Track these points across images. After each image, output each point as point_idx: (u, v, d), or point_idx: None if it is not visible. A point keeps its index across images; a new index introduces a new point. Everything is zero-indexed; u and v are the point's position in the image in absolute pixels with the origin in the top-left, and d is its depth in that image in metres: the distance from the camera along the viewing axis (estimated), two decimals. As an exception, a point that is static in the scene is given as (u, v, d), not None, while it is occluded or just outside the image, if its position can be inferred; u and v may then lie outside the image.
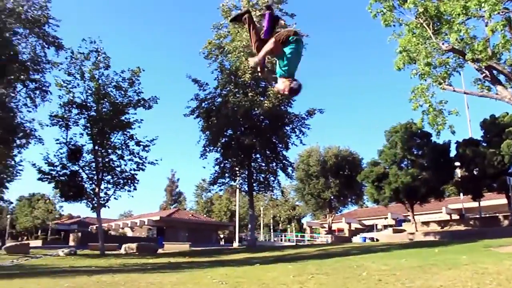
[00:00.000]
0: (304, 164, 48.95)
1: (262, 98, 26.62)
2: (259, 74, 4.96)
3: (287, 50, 4.71)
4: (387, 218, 47.05)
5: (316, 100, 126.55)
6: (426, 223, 39.13)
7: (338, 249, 19.07)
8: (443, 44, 15.74)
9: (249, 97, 26.39)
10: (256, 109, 26.92)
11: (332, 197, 49.16)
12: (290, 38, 4.72)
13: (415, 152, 34.84)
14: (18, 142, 23.34)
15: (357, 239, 38.74)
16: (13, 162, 25.55)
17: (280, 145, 28.33)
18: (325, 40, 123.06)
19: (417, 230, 34.92)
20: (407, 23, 16.46)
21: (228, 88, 27.65)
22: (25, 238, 68.70)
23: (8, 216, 72.04)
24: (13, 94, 23.13)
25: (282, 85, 4.79)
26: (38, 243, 48.99)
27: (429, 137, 32.32)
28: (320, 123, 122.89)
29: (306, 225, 63.36)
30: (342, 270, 8.53)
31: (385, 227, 46.78)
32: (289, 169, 28.95)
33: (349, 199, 51.55)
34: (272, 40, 4.65)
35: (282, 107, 27.54)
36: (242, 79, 26.34)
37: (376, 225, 48.51)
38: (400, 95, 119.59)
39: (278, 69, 4.78)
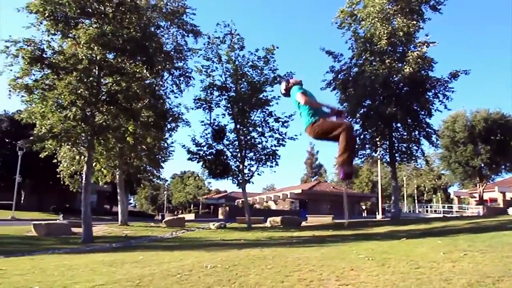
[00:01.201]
0: (449, 130, 45.80)
1: (400, 65, 25.34)
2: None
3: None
4: (551, 187, 42.06)
5: (462, 60, 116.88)
6: None
7: (492, 222, 17.32)
8: None
9: (386, 64, 25.24)
10: (395, 76, 25.76)
11: (482, 165, 45.34)
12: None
13: None
14: (168, 126, 25.25)
15: (514, 211, 35.39)
16: (165, 144, 27.81)
17: (423, 112, 26.72)
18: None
19: None
20: None
21: (364, 57, 26.73)
22: (180, 211, 75.52)
23: (165, 192, 79.89)
24: (161, 83, 25.17)
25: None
26: (191, 216, 53.47)
27: None
28: (467, 86, 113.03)
29: (453, 195, 59.43)
30: (499, 248, 7.70)
31: (550, 197, 41.96)
32: (433, 137, 27.18)
33: (503, 167, 46.92)
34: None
35: (423, 72, 25.92)
36: (378, 46, 25.32)
37: (538, 195, 43.75)
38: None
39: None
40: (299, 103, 4.94)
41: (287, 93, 5.27)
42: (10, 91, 15.54)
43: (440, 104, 26.16)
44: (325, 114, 4.97)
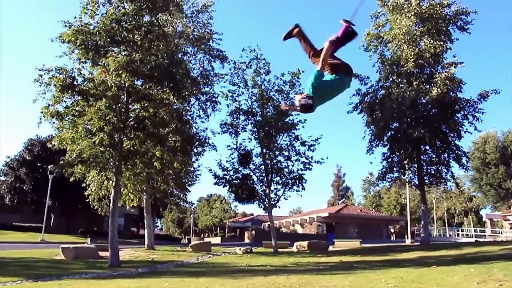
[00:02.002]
0: (479, 152, 44.99)
1: (428, 86, 25.03)
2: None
3: (329, 77, 4.67)
4: None
5: (492, 78, 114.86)
6: None
7: (529, 248, 16.84)
8: None
9: (413, 86, 24.91)
10: (422, 98, 25.44)
11: (515, 187, 44.28)
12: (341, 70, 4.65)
13: None
14: (195, 150, 25.43)
15: (552, 235, 34.14)
16: (192, 168, 27.97)
17: (452, 134, 26.21)
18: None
19: None
20: None
21: (391, 79, 26.54)
22: (206, 235, 75.43)
23: (191, 215, 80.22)
24: (188, 108, 25.48)
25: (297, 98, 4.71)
26: (218, 240, 53.41)
27: None
28: (497, 105, 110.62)
29: (485, 218, 57.73)
30: (538, 277, 7.45)
31: None
32: (463, 159, 26.53)
33: (538, 188, 45.76)
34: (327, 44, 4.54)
35: (451, 93, 25.52)
36: (405, 68, 25.15)
37: None
38: None
39: (309, 83, 4.66)
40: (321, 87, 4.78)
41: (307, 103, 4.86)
42: (41, 118, 15.92)
43: (470, 126, 25.65)
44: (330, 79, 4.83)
